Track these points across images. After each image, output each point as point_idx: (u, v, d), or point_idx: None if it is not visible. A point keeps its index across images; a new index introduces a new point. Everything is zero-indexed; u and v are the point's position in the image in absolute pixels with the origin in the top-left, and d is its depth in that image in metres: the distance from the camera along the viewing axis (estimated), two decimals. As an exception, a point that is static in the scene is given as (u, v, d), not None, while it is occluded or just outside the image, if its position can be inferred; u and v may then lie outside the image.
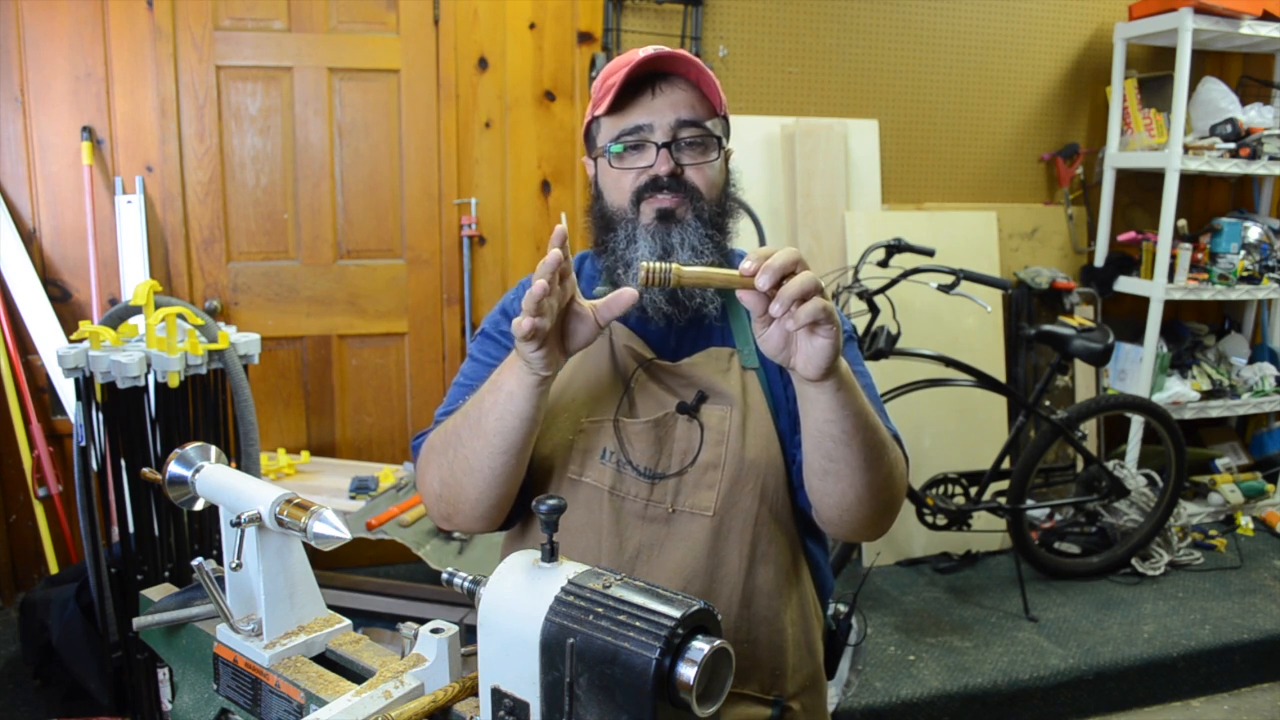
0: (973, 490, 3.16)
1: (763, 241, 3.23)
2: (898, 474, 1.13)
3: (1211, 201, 4.16)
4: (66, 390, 2.72)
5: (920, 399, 3.05)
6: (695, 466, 1.18)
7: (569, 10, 3.19)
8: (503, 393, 1.07)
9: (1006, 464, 3.19)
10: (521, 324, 0.96)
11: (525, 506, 1.25)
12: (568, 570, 0.78)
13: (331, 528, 0.95)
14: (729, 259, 1.24)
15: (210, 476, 1.07)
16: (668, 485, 1.19)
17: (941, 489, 3.16)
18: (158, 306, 2.15)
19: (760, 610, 1.20)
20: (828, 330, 0.92)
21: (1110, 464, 3.35)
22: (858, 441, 1.03)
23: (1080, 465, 3.60)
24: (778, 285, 0.90)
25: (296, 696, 0.94)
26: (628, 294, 1.03)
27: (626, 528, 1.19)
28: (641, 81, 1.18)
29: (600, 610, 0.73)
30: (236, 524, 0.96)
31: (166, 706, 1.16)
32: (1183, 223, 3.76)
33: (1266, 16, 3.53)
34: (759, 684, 1.21)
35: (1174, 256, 3.58)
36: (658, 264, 0.91)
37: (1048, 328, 3.05)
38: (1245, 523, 3.77)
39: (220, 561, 1.06)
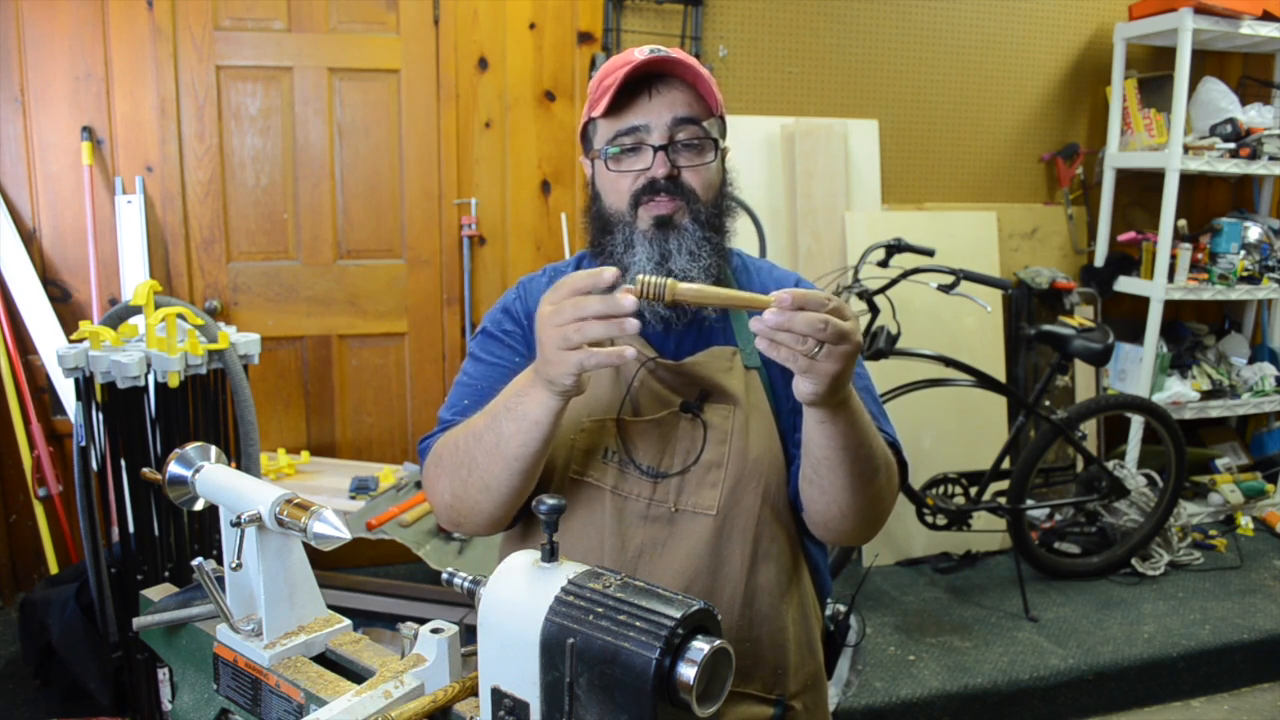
0: (973, 490, 3.16)
1: (762, 241, 3.23)
2: (888, 492, 1.15)
3: (1211, 201, 4.16)
4: (66, 390, 2.72)
5: (920, 399, 3.05)
6: (698, 465, 1.18)
7: (569, 10, 3.19)
8: (528, 420, 1.06)
9: (1006, 464, 3.19)
10: (625, 303, 0.93)
11: (527, 507, 1.24)
12: (568, 570, 0.78)
13: (331, 528, 0.95)
14: (726, 258, 1.24)
15: (210, 476, 1.07)
16: (670, 484, 1.18)
17: (941, 489, 3.16)
18: (158, 306, 2.15)
19: (762, 609, 1.20)
20: (812, 379, 0.96)
21: (1110, 464, 3.34)
22: (844, 469, 1.06)
23: (1080, 465, 3.60)
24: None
25: (296, 696, 0.94)
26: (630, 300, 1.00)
27: (629, 527, 1.18)
28: (638, 83, 1.17)
29: (600, 610, 0.73)
30: (236, 524, 0.96)
31: (166, 706, 1.16)
32: (1183, 223, 3.76)
33: (1266, 16, 3.53)
34: (761, 683, 1.21)
35: (1174, 256, 3.58)
36: (653, 279, 0.90)
37: (1048, 328, 3.05)
38: (1245, 523, 3.76)
39: (220, 561, 1.06)
